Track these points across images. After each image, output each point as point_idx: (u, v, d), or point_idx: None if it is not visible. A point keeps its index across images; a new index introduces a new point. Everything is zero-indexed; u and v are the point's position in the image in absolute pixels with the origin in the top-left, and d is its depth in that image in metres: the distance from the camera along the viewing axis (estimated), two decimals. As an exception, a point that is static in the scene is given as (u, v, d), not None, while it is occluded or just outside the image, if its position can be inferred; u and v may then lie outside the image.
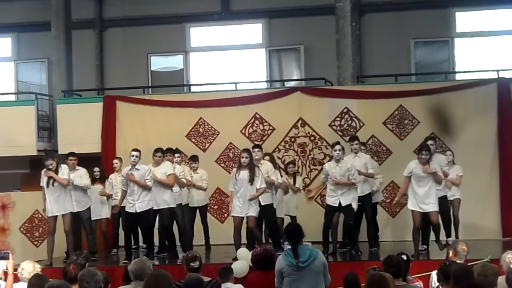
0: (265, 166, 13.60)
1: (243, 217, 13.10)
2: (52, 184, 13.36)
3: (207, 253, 15.01)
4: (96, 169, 15.47)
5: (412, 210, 13.01)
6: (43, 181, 13.46)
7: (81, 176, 14.32)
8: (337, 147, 13.44)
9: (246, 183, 12.94)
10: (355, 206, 13.47)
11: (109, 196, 15.34)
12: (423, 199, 12.82)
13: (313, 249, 8.36)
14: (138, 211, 13.43)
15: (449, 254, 9.67)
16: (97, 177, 15.29)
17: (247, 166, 12.99)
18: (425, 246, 13.47)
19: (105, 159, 16.78)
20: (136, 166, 13.42)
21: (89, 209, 14.63)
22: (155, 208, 13.65)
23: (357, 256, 13.57)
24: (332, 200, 13.41)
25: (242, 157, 13.05)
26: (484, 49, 19.26)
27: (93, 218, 14.99)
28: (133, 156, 13.48)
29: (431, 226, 13.11)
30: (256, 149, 13.73)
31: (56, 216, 13.50)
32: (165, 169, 13.78)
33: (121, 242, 15.92)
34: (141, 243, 14.85)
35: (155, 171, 13.64)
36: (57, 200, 13.42)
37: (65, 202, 13.53)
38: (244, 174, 13.00)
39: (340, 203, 13.31)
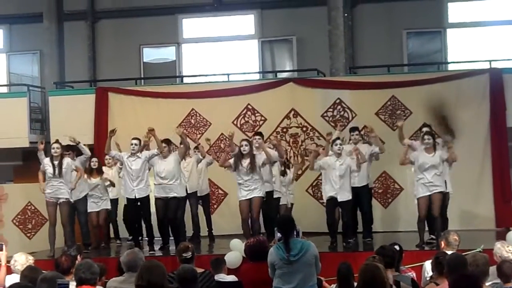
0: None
1: (249, 200, 13.09)
2: (60, 172, 13.48)
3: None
4: (94, 159, 14.99)
5: (418, 200, 12.90)
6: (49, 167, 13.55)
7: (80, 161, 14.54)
8: (338, 141, 13.40)
9: (246, 171, 13.01)
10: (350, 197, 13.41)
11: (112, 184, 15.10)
12: (432, 182, 12.71)
13: (305, 242, 8.31)
14: (137, 197, 13.53)
15: (441, 245, 9.69)
16: (95, 167, 14.89)
17: (248, 154, 13.03)
18: (433, 236, 13.12)
19: (98, 150, 16.73)
20: (138, 154, 13.54)
21: (85, 201, 14.61)
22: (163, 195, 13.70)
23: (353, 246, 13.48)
24: (332, 192, 13.24)
25: (242, 146, 13.09)
26: (476, 40, 19.24)
27: (91, 210, 14.80)
28: (132, 144, 13.65)
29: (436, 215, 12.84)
30: (257, 137, 13.76)
31: (56, 204, 13.53)
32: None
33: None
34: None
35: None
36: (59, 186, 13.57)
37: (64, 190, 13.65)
38: (245, 162, 13.06)
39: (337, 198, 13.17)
